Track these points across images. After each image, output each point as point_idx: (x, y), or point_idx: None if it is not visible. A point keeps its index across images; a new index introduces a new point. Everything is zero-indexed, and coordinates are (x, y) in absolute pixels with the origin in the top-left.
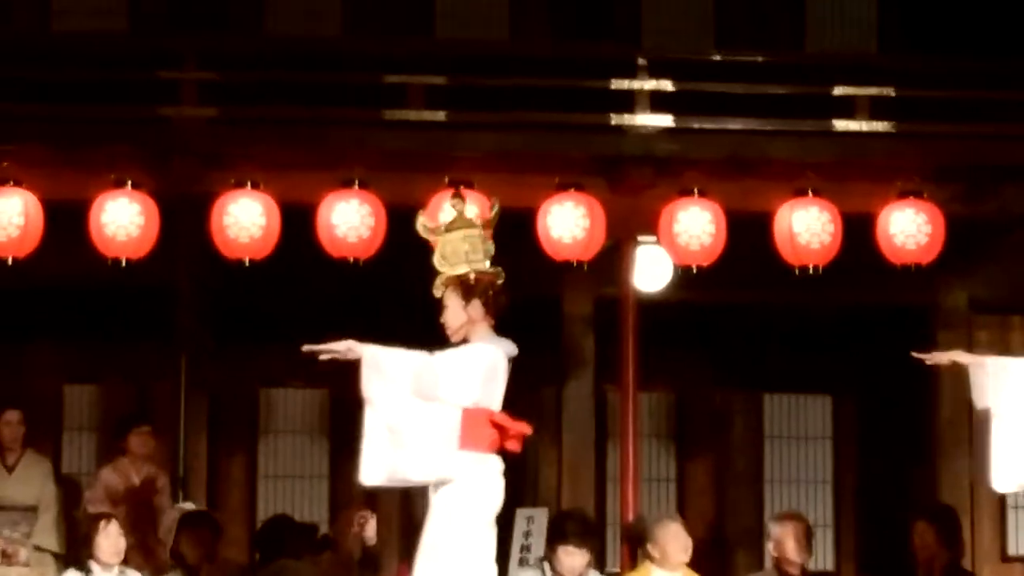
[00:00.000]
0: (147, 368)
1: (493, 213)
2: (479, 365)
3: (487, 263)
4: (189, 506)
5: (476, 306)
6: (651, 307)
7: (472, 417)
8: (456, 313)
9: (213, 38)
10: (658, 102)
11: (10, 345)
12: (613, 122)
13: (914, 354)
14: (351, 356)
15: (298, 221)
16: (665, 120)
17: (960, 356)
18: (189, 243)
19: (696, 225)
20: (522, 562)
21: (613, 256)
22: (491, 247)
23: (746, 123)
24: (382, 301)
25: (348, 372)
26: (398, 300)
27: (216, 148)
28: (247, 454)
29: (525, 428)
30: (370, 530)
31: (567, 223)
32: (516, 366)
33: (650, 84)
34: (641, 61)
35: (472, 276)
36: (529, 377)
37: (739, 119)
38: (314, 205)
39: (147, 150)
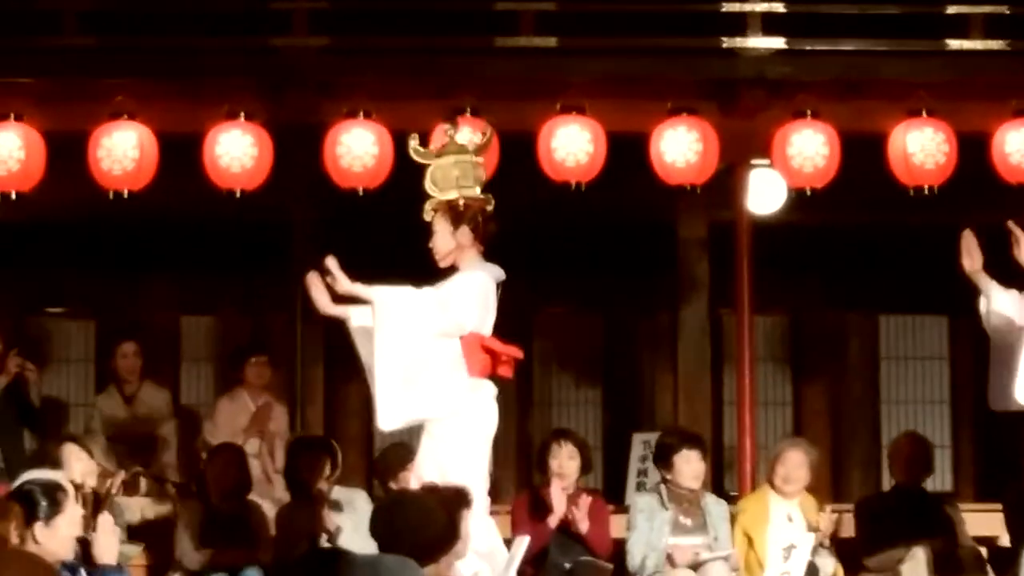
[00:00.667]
0: (263, 299)
1: (485, 139)
2: (475, 293)
3: (478, 189)
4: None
5: (464, 232)
6: (765, 230)
7: (468, 344)
8: (444, 239)
9: None
10: (770, 24)
11: (127, 278)
12: (725, 45)
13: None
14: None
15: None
16: (777, 42)
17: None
18: (302, 174)
19: (809, 147)
20: (639, 486)
21: (726, 180)
22: (482, 173)
23: (859, 44)
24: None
25: None
26: (510, 227)
27: (328, 78)
28: (362, 383)
29: (516, 352)
30: None
31: (680, 148)
32: (631, 291)
33: (761, 6)
34: None
35: (461, 202)
36: (644, 302)
37: (851, 40)
38: (426, 133)
39: (259, 81)
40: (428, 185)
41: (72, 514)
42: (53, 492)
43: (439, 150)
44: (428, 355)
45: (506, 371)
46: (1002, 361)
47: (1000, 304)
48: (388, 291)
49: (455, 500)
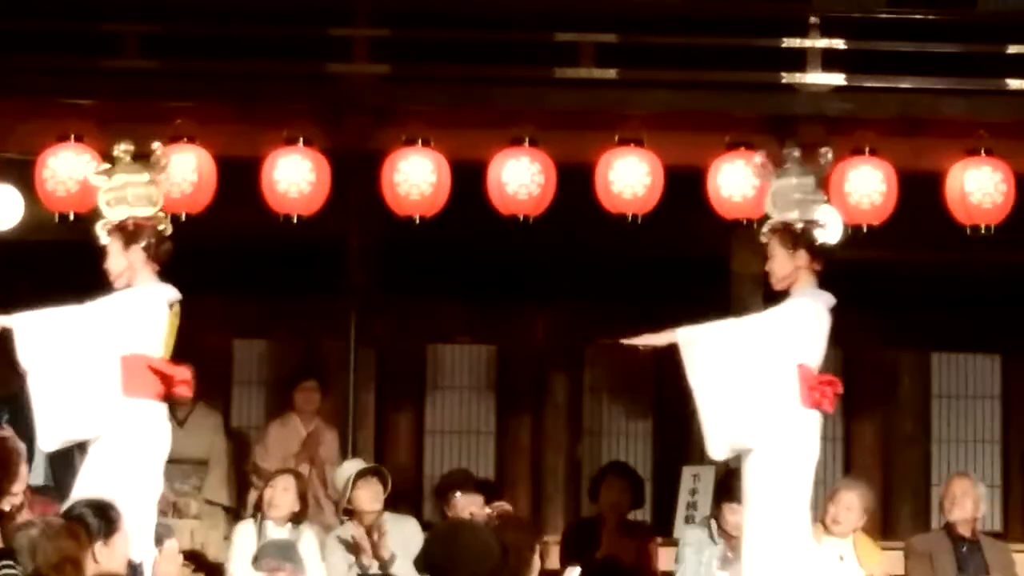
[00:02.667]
0: (316, 323)
1: (154, 159)
2: (133, 311)
3: (152, 209)
4: (359, 462)
5: (136, 251)
6: None
7: (130, 364)
8: (116, 259)
9: None
10: (829, 60)
11: (182, 300)
12: (784, 80)
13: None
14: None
15: (468, 178)
16: (836, 79)
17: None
18: (360, 200)
19: (867, 184)
20: (688, 519)
21: None
22: (156, 193)
23: (918, 82)
24: (550, 258)
25: (516, 328)
26: (567, 257)
27: (387, 105)
28: (414, 410)
29: (186, 373)
30: None
31: (737, 182)
32: (683, 322)
33: (822, 42)
34: (813, 19)
35: (131, 222)
36: None
37: (911, 78)
38: (484, 162)
39: (319, 107)
40: (101, 205)
41: (126, 532)
42: (106, 511)
43: (110, 171)
44: (77, 374)
45: (184, 392)
46: None
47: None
48: (28, 315)
49: (522, 530)
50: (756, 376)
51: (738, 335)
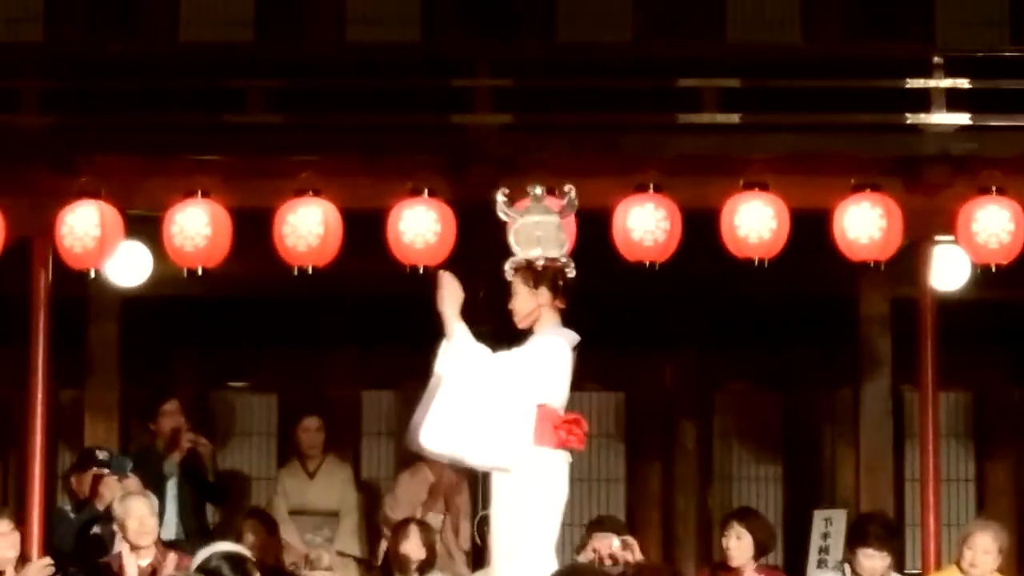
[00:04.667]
0: None
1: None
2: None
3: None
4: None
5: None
6: (948, 306)
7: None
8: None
9: (506, 45)
10: (954, 100)
11: (311, 352)
12: (909, 121)
13: None
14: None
15: (594, 225)
16: (962, 118)
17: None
18: (485, 250)
19: (995, 223)
20: (820, 564)
21: (910, 256)
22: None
23: None
24: (677, 304)
25: (644, 375)
26: (693, 303)
27: (511, 155)
28: None
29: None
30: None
31: (864, 224)
32: (812, 367)
33: (946, 82)
34: (936, 59)
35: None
36: (826, 378)
37: None
38: (609, 209)
39: (443, 158)
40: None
41: None
42: (241, 564)
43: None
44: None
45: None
46: None
47: None
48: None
49: None
50: (491, 410)
51: (487, 368)
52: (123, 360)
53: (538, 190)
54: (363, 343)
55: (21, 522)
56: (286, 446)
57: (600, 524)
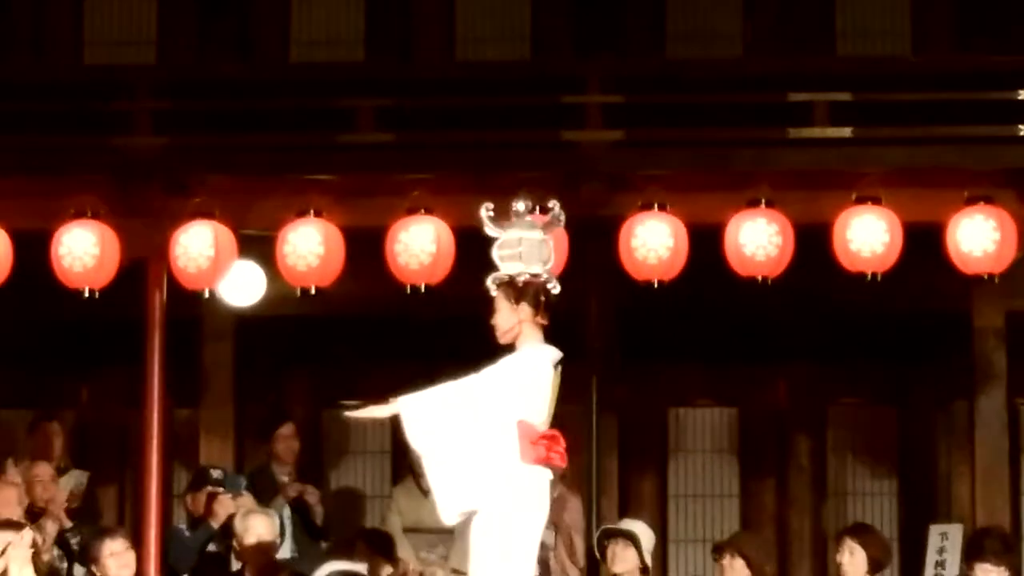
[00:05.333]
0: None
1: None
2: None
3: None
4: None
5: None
6: None
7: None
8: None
9: (616, 62)
10: None
11: (423, 370)
12: (1022, 133)
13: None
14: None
15: (705, 241)
16: None
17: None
18: (597, 265)
19: None
20: None
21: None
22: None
23: None
24: (790, 319)
25: (757, 390)
26: (806, 317)
27: (622, 171)
28: (657, 474)
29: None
30: None
31: (977, 237)
32: (926, 381)
33: None
34: None
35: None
36: (940, 392)
37: None
38: (721, 225)
39: (554, 174)
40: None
41: None
42: None
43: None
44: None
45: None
46: None
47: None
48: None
49: None
50: (476, 436)
51: (456, 396)
52: (237, 379)
53: (520, 205)
54: (478, 359)
55: (138, 541)
56: (400, 464)
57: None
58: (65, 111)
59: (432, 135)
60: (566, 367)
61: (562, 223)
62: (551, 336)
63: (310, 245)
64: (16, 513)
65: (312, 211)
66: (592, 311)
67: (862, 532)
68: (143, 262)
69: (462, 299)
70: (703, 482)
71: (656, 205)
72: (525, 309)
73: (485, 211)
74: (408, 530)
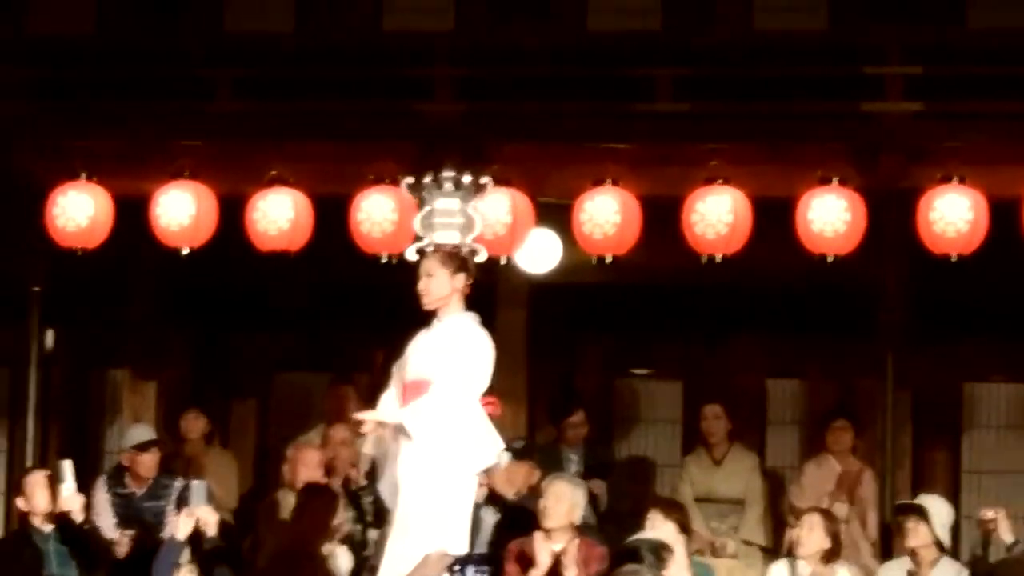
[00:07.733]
0: (850, 363)
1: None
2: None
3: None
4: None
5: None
6: None
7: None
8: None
9: (916, 31)
10: None
11: (715, 340)
12: None
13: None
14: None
15: (1004, 214)
16: None
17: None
18: (895, 239)
19: None
20: None
21: None
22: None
23: None
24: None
25: None
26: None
27: (922, 143)
28: (951, 449)
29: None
30: None
31: None
32: None
33: None
34: None
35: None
36: None
37: None
38: (1019, 198)
39: (852, 146)
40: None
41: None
42: (658, 550)
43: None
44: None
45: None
46: None
47: None
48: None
49: None
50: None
51: (455, 407)
52: (530, 346)
53: (446, 173)
54: (769, 331)
55: None
56: (691, 434)
57: None
58: (364, 77)
59: (729, 105)
60: (859, 341)
61: (487, 192)
62: (842, 304)
63: (607, 214)
64: (317, 475)
65: (609, 180)
66: (889, 285)
67: None
68: None
69: (756, 270)
70: (997, 457)
71: (956, 178)
72: (461, 279)
73: (405, 182)
74: (699, 500)
